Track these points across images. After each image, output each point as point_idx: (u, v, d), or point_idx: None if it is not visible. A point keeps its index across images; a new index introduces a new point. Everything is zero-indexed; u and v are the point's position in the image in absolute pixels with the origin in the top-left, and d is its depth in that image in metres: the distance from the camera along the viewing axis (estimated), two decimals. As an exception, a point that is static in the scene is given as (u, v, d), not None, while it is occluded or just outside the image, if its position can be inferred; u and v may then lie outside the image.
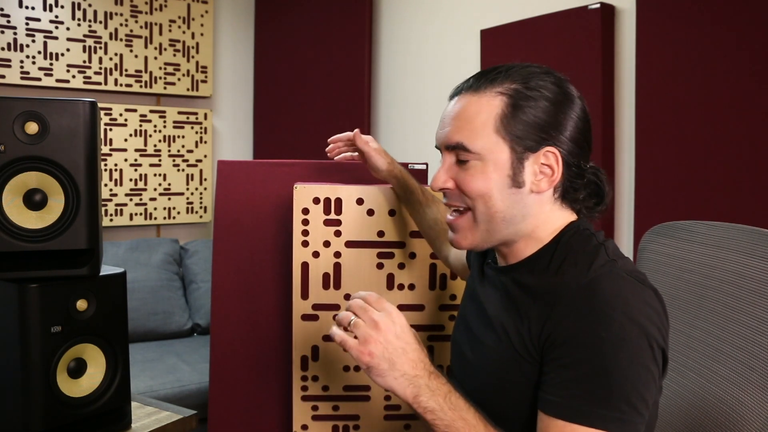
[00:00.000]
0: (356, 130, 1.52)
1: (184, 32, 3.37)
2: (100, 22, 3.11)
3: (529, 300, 0.93)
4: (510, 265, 1.00)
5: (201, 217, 3.50)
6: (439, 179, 0.98)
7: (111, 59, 3.15)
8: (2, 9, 2.87)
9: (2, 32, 2.87)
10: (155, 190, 3.33)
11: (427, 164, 1.85)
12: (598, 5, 2.27)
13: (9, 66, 2.89)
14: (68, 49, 3.03)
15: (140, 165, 3.27)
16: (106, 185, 3.16)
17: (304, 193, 1.56)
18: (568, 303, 0.85)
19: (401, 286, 1.60)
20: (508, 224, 0.95)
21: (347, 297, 1.59)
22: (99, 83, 3.12)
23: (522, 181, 0.93)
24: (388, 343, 0.88)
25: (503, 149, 0.93)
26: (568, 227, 0.96)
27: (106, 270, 1.24)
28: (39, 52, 2.96)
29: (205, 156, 3.49)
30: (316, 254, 1.57)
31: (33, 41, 2.94)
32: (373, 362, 0.88)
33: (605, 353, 0.80)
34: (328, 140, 1.60)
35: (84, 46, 3.07)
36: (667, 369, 0.87)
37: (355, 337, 0.89)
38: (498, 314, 0.98)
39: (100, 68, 3.13)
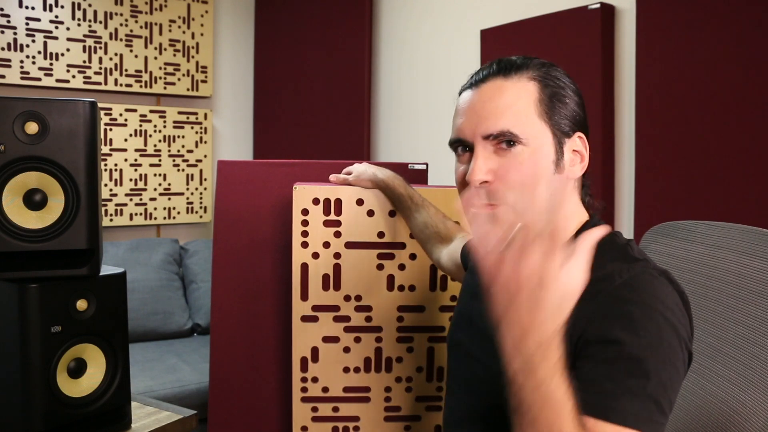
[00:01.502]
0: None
1: (184, 32, 3.37)
2: (100, 22, 3.11)
3: None
4: None
5: (201, 217, 3.50)
6: (479, 171, 0.90)
7: (111, 59, 3.15)
8: (2, 9, 2.87)
9: (2, 32, 2.87)
10: (155, 190, 3.33)
11: (426, 164, 1.85)
12: (598, 5, 2.27)
13: (9, 66, 2.89)
14: (68, 49, 3.03)
15: (140, 165, 3.27)
16: (106, 185, 3.16)
17: (303, 194, 1.56)
18: (606, 301, 0.83)
19: (401, 287, 1.60)
20: (548, 213, 0.92)
21: (347, 298, 1.59)
22: (99, 83, 3.12)
23: (563, 166, 0.92)
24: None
25: (547, 134, 0.91)
26: (587, 225, 0.95)
27: (106, 270, 1.24)
28: (39, 52, 2.96)
29: (205, 156, 3.48)
30: (315, 255, 1.57)
31: (33, 41, 2.94)
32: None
33: (642, 352, 0.78)
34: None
35: (84, 46, 3.07)
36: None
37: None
38: None
39: (100, 68, 3.13)
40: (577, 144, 0.93)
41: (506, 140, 0.90)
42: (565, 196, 0.94)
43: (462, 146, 0.95)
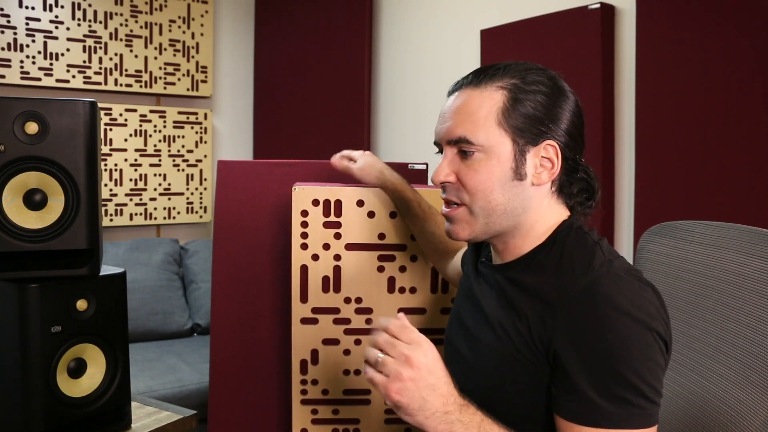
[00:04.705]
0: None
1: (184, 32, 3.37)
2: (100, 22, 3.11)
3: (525, 298, 0.94)
4: (505, 264, 1.01)
5: (201, 217, 3.50)
6: (441, 172, 0.99)
7: (111, 59, 3.15)
8: (2, 9, 2.87)
9: (2, 32, 2.87)
10: (155, 190, 3.33)
11: (427, 164, 1.85)
12: (598, 5, 2.27)
13: (9, 66, 2.89)
14: (68, 49, 3.03)
15: (140, 165, 3.27)
16: (106, 185, 3.16)
17: (303, 195, 1.55)
18: (570, 308, 0.86)
19: (402, 290, 1.60)
20: (508, 216, 0.96)
21: (347, 300, 1.58)
22: (99, 83, 3.12)
23: (524, 173, 0.95)
24: (420, 380, 0.83)
25: (505, 142, 0.94)
26: (563, 225, 0.98)
27: (106, 270, 1.24)
28: (39, 52, 2.96)
29: (205, 156, 3.48)
30: (315, 257, 1.56)
31: (33, 41, 2.94)
32: (402, 401, 0.83)
33: (615, 356, 0.82)
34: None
35: (84, 46, 3.07)
36: (669, 358, 0.89)
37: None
38: (495, 312, 0.99)
39: (100, 68, 3.13)
40: (547, 152, 0.95)
41: (464, 146, 0.96)
42: (530, 201, 0.96)
43: (439, 148, 1.03)
